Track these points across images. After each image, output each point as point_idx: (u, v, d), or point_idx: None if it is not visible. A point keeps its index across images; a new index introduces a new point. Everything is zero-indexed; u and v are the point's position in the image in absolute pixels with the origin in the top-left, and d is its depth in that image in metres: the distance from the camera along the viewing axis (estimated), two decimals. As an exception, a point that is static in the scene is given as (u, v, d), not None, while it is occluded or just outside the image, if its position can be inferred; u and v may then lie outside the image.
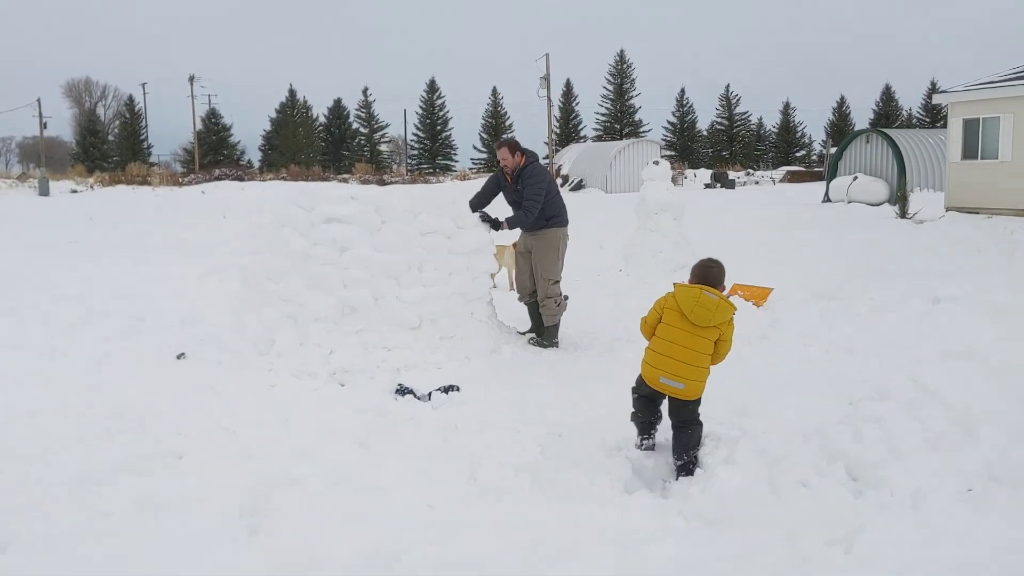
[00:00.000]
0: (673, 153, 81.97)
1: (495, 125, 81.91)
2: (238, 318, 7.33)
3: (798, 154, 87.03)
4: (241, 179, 52.76)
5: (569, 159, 56.38)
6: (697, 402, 4.76)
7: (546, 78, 58.83)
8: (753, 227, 19.93)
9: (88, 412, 5.71)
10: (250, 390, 6.38)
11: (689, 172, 64.30)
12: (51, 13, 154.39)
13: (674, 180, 61.02)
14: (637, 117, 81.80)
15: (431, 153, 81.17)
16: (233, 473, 4.34)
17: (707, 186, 56.40)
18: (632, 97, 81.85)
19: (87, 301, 10.12)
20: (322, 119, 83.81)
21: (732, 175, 61.35)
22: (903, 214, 21.67)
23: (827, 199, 32.23)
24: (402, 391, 6.09)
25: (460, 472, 4.24)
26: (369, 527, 3.63)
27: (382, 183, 57.34)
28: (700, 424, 4.79)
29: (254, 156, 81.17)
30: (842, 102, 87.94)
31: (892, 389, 5.92)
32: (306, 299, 6.89)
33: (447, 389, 6.10)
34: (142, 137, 76.36)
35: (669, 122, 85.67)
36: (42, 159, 73.96)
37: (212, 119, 74.92)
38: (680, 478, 4.55)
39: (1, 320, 8.86)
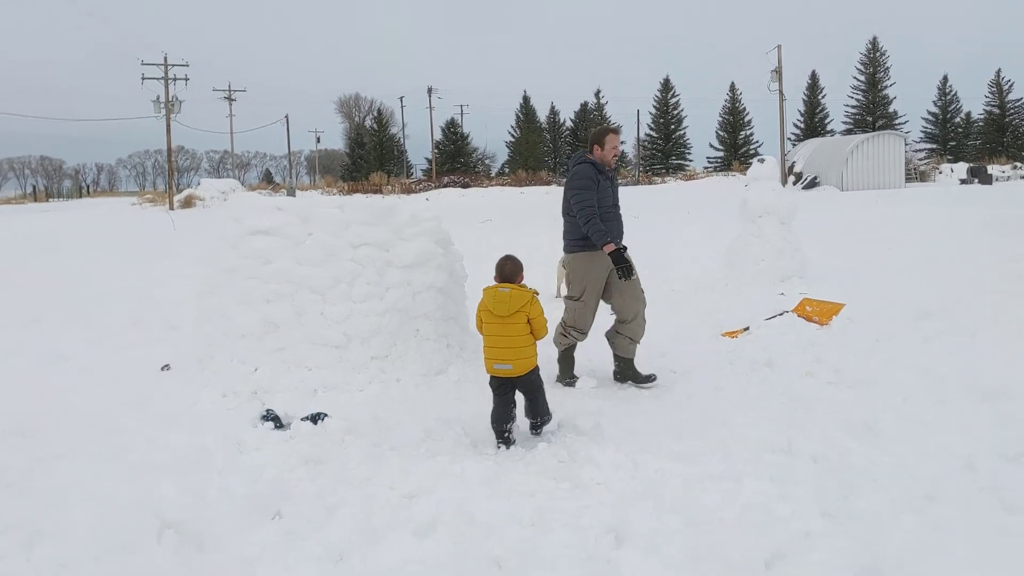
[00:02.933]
0: (934, 146, 74.84)
1: (733, 122, 78.89)
2: (191, 332, 7.27)
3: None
4: (466, 186, 54.46)
5: (803, 156, 52.94)
6: (532, 372, 5.41)
7: (777, 71, 55.66)
8: (924, 230, 17.49)
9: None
10: (166, 409, 6.24)
11: (945, 167, 58.21)
12: (327, 37, 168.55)
13: (925, 176, 56.06)
14: (891, 108, 75.38)
15: (664, 153, 79.65)
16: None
17: (962, 181, 50.79)
18: (886, 87, 75.53)
19: (154, 309, 10.61)
20: (568, 123, 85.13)
21: (993, 169, 54.77)
22: None
23: (1085, 194, 27.85)
24: (267, 417, 5.67)
25: (108, 525, 3.72)
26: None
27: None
28: (541, 385, 5.47)
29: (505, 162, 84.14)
30: None
31: (809, 441, 4.74)
32: (234, 314, 6.68)
33: (315, 417, 5.61)
34: (396, 148, 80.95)
35: (930, 112, 78.29)
36: (317, 169, 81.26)
37: (451, 128, 78.20)
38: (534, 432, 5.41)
39: (46, 326, 9.44)
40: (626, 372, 6.76)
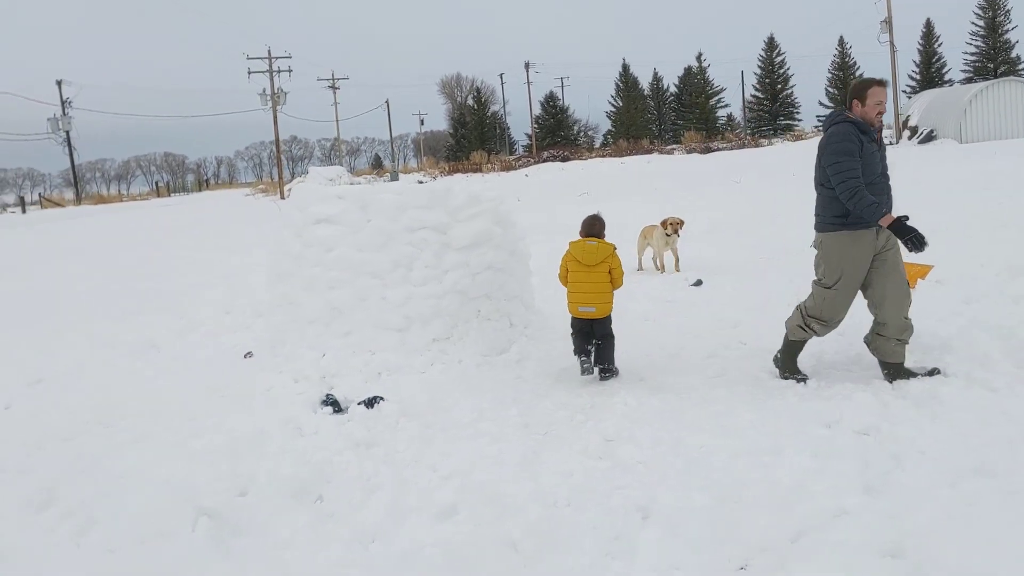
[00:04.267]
0: (1064, 89, 70.08)
1: (843, 78, 75.71)
2: (264, 320, 7.52)
3: None
4: (565, 160, 54.21)
5: (918, 108, 50.38)
6: (608, 319, 6.36)
7: (887, 21, 53.11)
8: None
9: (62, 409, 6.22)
10: (240, 395, 6.47)
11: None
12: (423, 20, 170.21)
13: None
14: (1014, 54, 70.89)
15: (771, 114, 77.26)
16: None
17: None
18: (1007, 31, 71.06)
19: (246, 296, 10.99)
20: (672, 88, 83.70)
21: None
22: None
23: None
24: (326, 402, 5.82)
25: (153, 511, 3.89)
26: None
27: (707, 151, 55.75)
28: (614, 336, 6.37)
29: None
30: None
31: (863, 413, 4.56)
32: (302, 301, 6.87)
33: (371, 401, 5.72)
34: (498, 125, 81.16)
35: (1059, 54, 73.19)
36: (422, 151, 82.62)
37: (550, 102, 77.91)
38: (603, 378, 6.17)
39: (141, 317, 9.90)
40: (899, 375, 5.49)
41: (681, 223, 10.97)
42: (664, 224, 10.92)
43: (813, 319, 5.63)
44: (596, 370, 6.20)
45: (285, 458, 4.74)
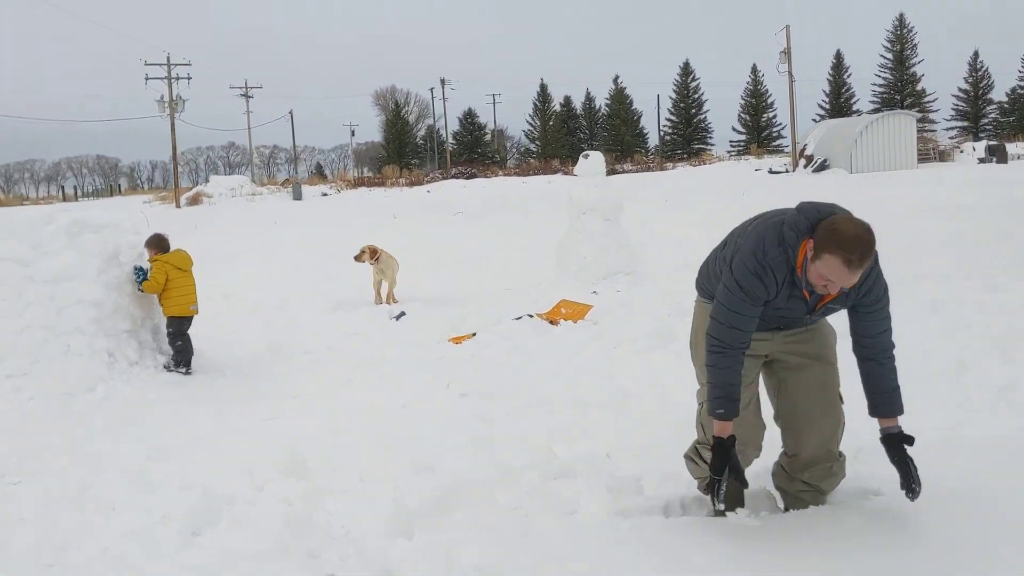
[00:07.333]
0: (965, 123, 72.52)
1: (755, 104, 77.18)
2: None
3: None
4: (470, 177, 54.15)
5: (815, 138, 51.59)
6: None
7: (786, 52, 54.30)
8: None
9: None
10: None
11: (967, 145, 56.26)
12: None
13: (945, 155, 54.20)
14: (920, 87, 73.07)
15: (685, 138, 78.33)
16: None
17: (980, 160, 48.94)
18: (914, 64, 73.25)
19: None
20: (604, 109, 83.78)
21: (1014, 147, 52.79)
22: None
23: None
24: None
25: None
26: None
27: (611, 172, 56.24)
28: None
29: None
30: None
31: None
32: None
33: None
34: (434, 139, 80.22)
35: (961, 89, 75.56)
36: (355, 162, 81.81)
37: (468, 119, 77.90)
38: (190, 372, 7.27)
39: None
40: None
41: (376, 252, 10.68)
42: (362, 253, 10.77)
43: (704, 445, 3.57)
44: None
45: None
